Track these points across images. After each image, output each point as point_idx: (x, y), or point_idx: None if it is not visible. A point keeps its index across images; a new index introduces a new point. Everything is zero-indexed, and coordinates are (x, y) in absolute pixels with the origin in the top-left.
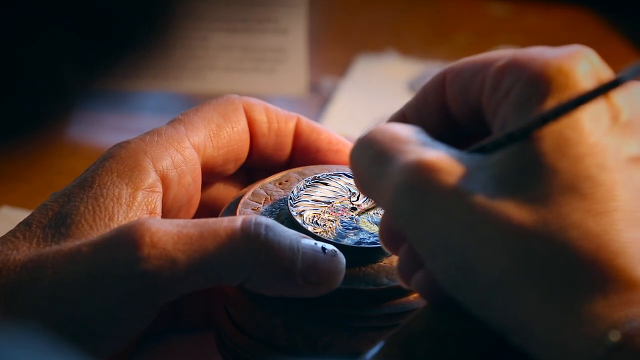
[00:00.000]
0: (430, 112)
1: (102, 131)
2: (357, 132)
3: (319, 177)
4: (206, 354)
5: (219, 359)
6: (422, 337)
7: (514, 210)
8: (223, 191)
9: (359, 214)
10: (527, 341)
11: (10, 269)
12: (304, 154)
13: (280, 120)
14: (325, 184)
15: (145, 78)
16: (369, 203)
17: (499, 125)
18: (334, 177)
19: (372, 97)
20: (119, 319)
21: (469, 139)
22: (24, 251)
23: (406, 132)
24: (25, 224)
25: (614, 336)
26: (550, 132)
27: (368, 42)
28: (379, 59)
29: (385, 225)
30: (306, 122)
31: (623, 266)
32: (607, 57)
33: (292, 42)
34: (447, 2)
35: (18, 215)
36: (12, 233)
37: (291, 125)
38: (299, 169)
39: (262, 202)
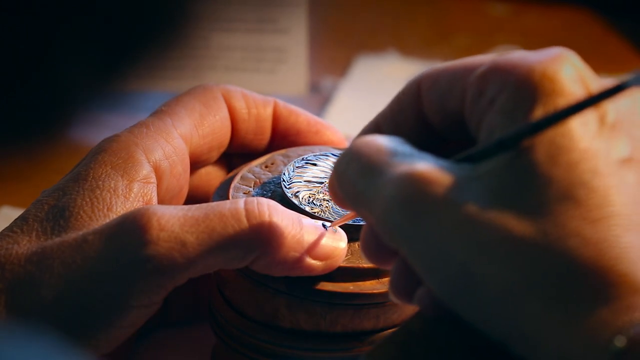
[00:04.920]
0: (406, 120)
1: (102, 131)
2: (357, 132)
3: (307, 158)
4: (197, 346)
5: (209, 350)
6: (421, 336)
7: (513, 222)
8: (205, 178)
9: (333, 225)
10: (531, 350)
11: (15, 263)
12: (284, 137)
13: (259, 106)
14: (315, 165)
15: (145, 78)
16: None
17: (485, 135)
18: (321, 157)
19: (372, 97)
20: (128, 306)
21: (447, 145)
22: (25, 245)
23: (391, 143)
24: (22, 219)
25: (620, 341)
26: (542, 140)
27: (368, 42)
28: (379, 59)
29: (371, 239)
30: (283, 105)
31: (624, 271)
32: (607, 57)
33: (292, 42)
34: (447, 3)
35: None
36: (9, 229)
37: (269, 110)
38: (283, 151)
39: (252, 185)
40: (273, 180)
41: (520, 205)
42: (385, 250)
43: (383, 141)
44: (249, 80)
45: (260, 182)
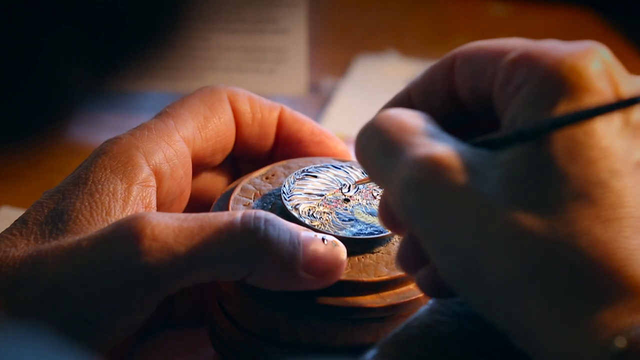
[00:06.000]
0: (437, 93)
1: (102, 131)
2: (357, 132)
3: (308, 170)
4: (200, 347)
5: (212, 352)
6: (422, 337)
7: (523, 215)
8: (210, 181)
9: (356, 185)
10: (531, 346)
11: (10, 266)
12: (286, 145)
13: (264, 111)
14: (315, 177)
15: (145, 78)
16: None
17: (508, 120)
18: (322, 169)
19: (372, 97)
20: (119, 312)
21: (476, 123)
22: (22, 248)
23: (414, 120)
24: (22, 221)
25: (620, 342)
26: (562, 135)
27: (368, 42)
28: (379, 59)
29: (385, 207)
30: (289, 112)
31: (631, 273)
32: None
33: (292, 42)
34: (447, 3)
35: (18, 215)
36: (8, 231)
37: (275, 115)
38: (283, 162)
39: (252, 197)
40: (273, 192)
41: (532, 199)
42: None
43: (406, 117)
44: (248, 81)
45: (260, 194)
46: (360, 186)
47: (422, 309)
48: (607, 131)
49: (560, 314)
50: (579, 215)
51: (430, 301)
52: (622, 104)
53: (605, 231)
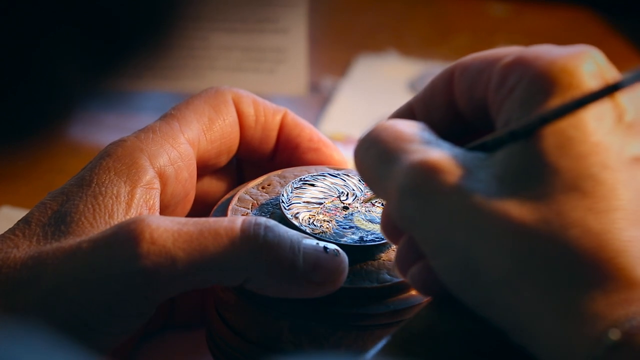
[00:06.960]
0: (438, 106)
1: (102, 131)
2: (357, 132)
3: (305, 178)
4: (201, 349)
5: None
6: (423, 336)
7: (516, 209)
8: (215, 183)
9: (364, 202)
10: (528, 340)
11: (11, 267)
12: (284, 149)
13: (268, 114)
14: (312, 185)
15: (145, 78)
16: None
17: (502, 122)
18: (319, 177)
19: (372, 97)
20: (118, 315)
21: (476, 135)
22: (24, 249)
23: (410, 129)
24: (25, 222)
25: (614, 335)
26: (553, 131)
27: (368, 42)
28: (379, 59)
29: (386, 218)
30: (292, 117)
31: (624, 265)
32: (608, 57)
33: (292, 42)
34: (447, 3)
35: (18, 215)
36: (11, 231)
37: (278, 119)
38: (279, 172)
39: (250, 207)
40: (271, 202)
41: (525, 192)
42: (398, 228)
43: (402, 127)
44: (248, 81)
45: (258, 204)
46: (359, 198)
47: (422, 308)
48: (598, 127)
49: (555, 306)
50: (571, 207)
51: (430, 300)
52: (607, 91)
53: (598, 222)
